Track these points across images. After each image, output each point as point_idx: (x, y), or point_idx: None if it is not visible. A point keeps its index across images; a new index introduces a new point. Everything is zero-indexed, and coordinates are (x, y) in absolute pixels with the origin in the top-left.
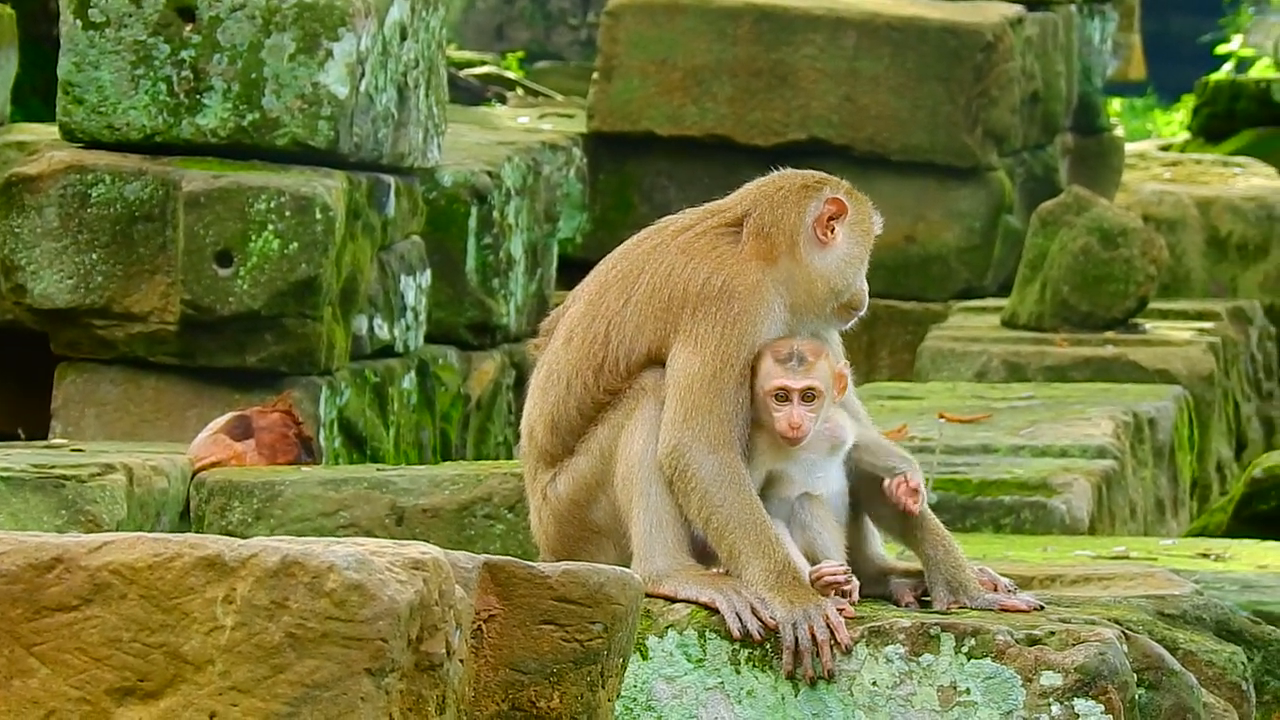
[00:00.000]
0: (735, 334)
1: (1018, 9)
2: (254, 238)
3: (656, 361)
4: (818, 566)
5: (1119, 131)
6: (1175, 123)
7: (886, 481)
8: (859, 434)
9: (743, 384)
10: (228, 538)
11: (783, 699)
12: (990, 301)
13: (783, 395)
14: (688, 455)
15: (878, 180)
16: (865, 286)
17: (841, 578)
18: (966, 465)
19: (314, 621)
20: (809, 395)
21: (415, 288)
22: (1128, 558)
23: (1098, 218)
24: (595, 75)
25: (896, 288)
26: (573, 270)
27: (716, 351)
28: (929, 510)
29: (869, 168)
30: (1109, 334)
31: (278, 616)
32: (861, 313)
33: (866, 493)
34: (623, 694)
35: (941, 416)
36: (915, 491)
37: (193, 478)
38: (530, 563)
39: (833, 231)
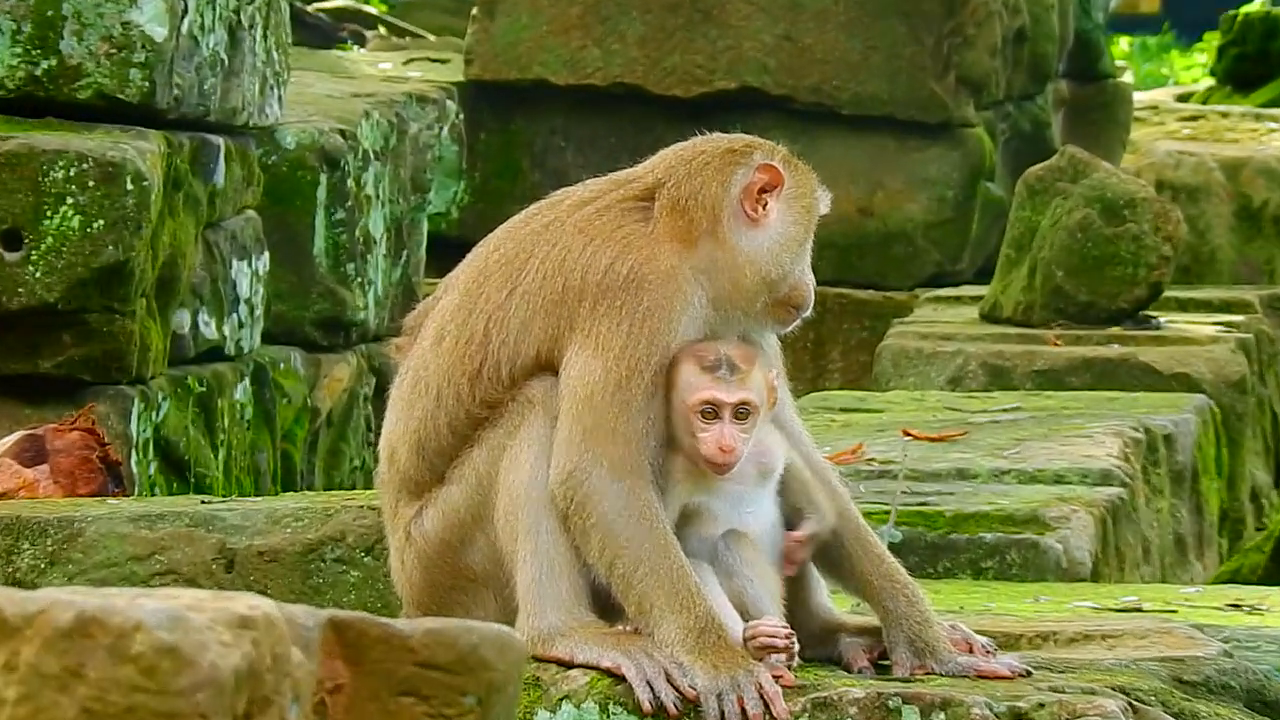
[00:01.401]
0: (645, 333)
1: None
2: (49, 214)
3: (547, 367)
4: (751, 624)
5: (1126, 78)
6: (1196, 66)
7: (788, 534)
8: (788, 455)
9: (654, 396)
10: (10, 589)
11: None
12: (966, 289)
13: (710, 411)
14: (587, 484)
15: (825, 139)
16: (810, 279)
17: (779, 637)
18: (938, 495)
19: (116, 693)
20: (742, 412)
21: (250, 275)
22: (1139, 610)
23: (1099, 185)
24: (474, 10)
25: (849, 272)
26: (447, 253)
27: (622, 355)
28: (887, 554)
29: (814, 124)
30: (1114, 329)
31: (71, 688)
32: (805, 312)
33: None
34: None
35: (906, 434)
36: (799, 544)
37: None
38: (388, 620)
39: (764, 206)
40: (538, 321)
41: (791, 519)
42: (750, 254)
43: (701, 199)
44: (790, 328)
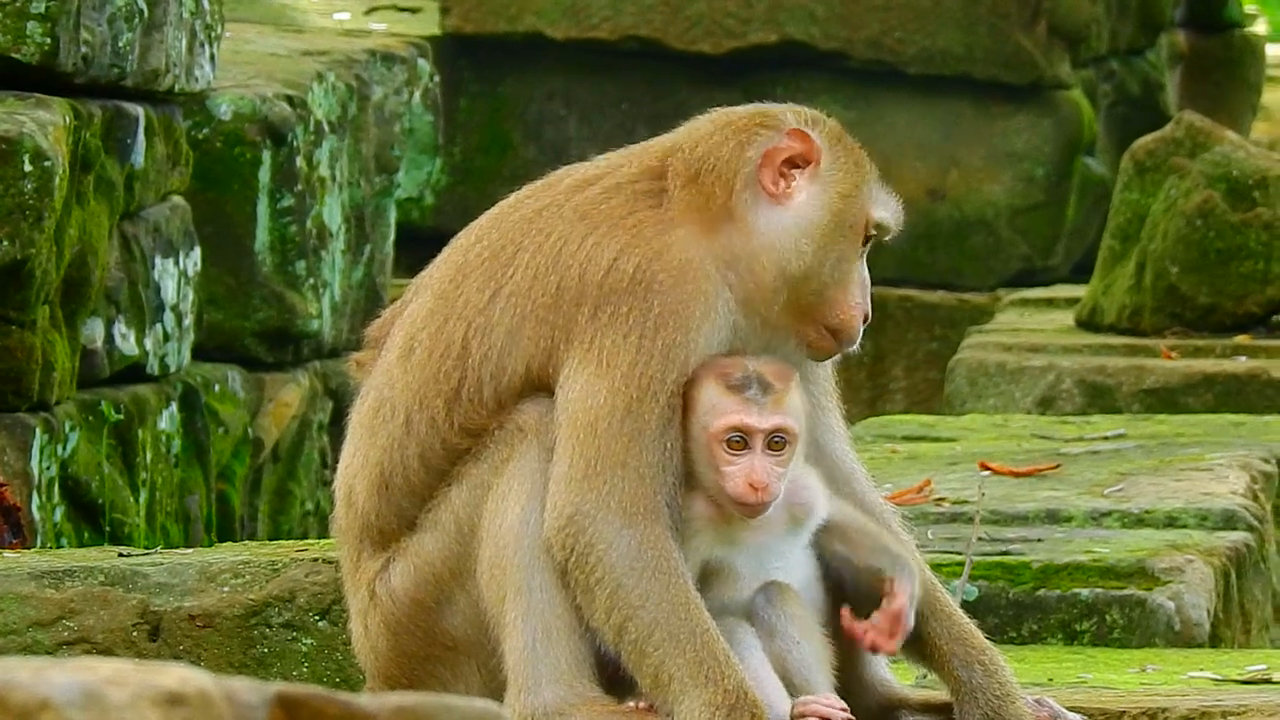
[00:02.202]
0: (659, 345)
1: None
2: None
3: (540, 387)
4: (800, 700)
5: (1258, 27)
6: None
7: (844, 609)
8: (832, 503)
9: (670, 422)
10: None
11: None
12: (1060, 290)
13: (738, 440)
14: (591, 530)
15: (886, 106)
16: (855, 301)
17: (837, 714)
18: (1023, 542)
19: None
20: (778, 440)
21: (177, 276)
22: (1268, 681)
23: (1224, 161)
24: None
25: (916, 270)
26: (419, 247)
27: (631, 373)
28: (959, 613)
29: (872, 86)
30: (1240, 338)
31: None
32: (847, 343)
33: (860, 582)
34: None
35: (984, 467)
36: (896, 620)
37: None
38: (349, 696)
39: (789, 182)
40: (527, 330)
41: (868, 582)
42: (766, 236)
43: (716, 166)
44: (827, 358)
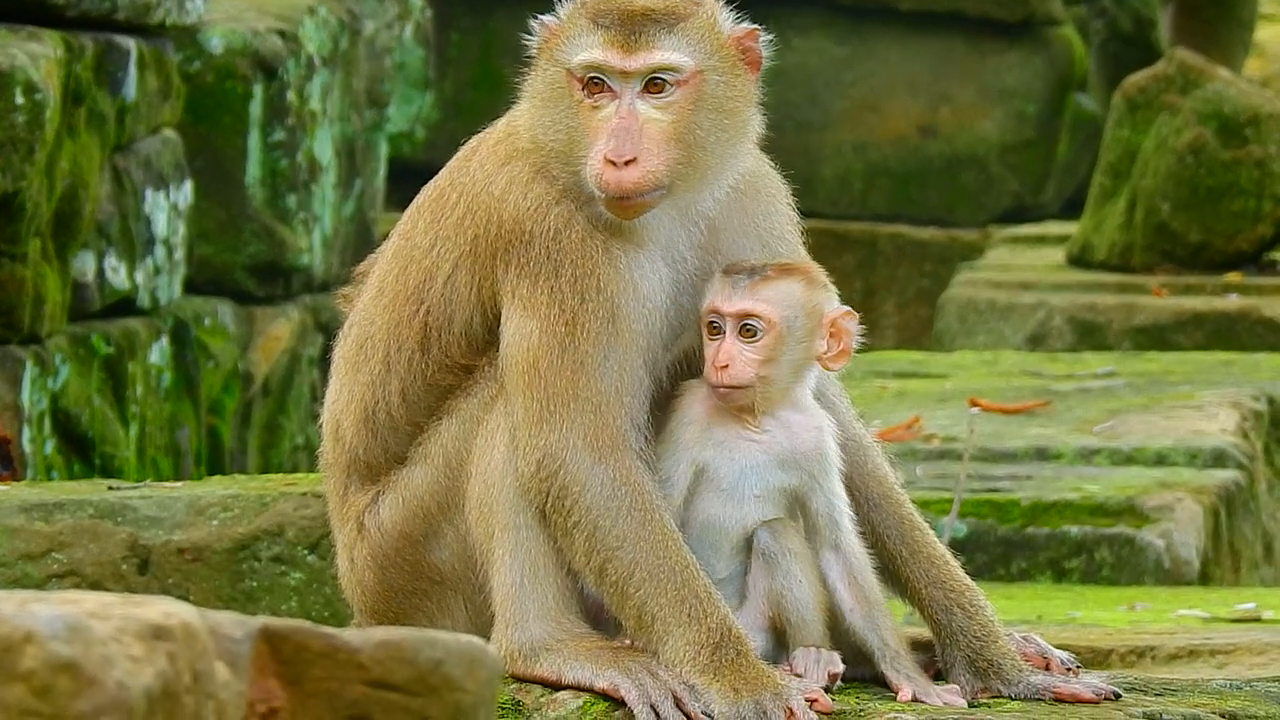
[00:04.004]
0: (563, 280)
1: None
2: None
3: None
4: (799, 656)
5: None
6: None
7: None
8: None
9: (611, 347)
10: None
11: None
12: (1050, 227)
13: (715, 325)
14: (563, 473)
15: (878, 43)
16: (599, 147)
17: (838, 664)
18: (1012, 479)
19: (4, 717)
20: (747, 328)
21: (168, 210)
22: (1258, 620)
23: (1216, 98)
24: None
25: (906, 206)
26: (411, 182)
27: (551, 312)
28: (941, 554)
29: (864, 23)
30: (1231, 276)
31: None
32: (610, 191)
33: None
34: None
35: (974, 404)
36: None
37: None
38: (334, 630)
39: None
40: (462, 277)
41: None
42: (525, 131)
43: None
44: (618, 218)
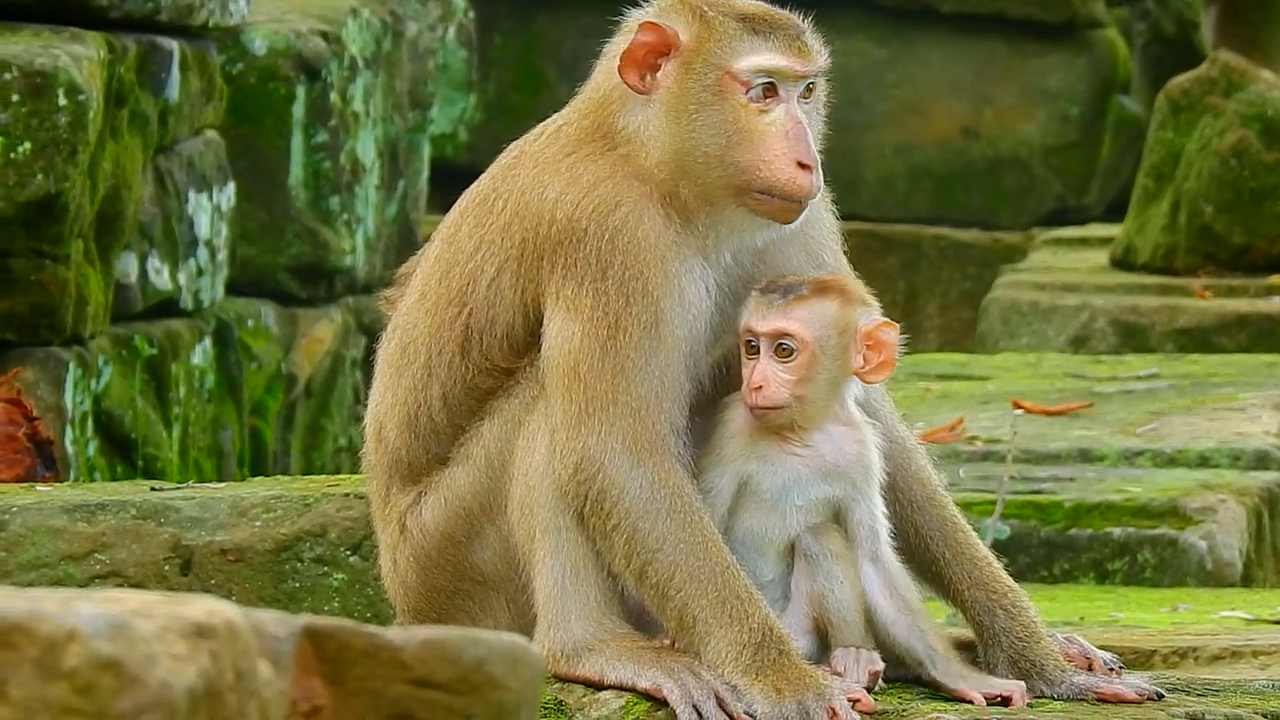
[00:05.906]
0: (611, 282)
1: None
2: None
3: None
4: (839, 656)
5: None
6: None
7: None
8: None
9: (653, 352)
10: None
11: None
12: (1094, 229)
13: (751, 345)
14: (601, 476)
15: (920, 44)
16: (775, 150)
17: (878, 663)
18: (1054, 481)
19: (45, 716)
20: (783, 348)
21: (211, 211)
22: None
23: (1259, 100)
24: None
25: (950, 208)
26: (454, 183)
27: (595, 315)
28: (984, 555)
29: (906, 24)
30: (1274, 278)
31: None
32: (791, 196)
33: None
34: None
35: (1017, 406)
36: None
37: None
38: (376, 629)
39: (654, 74)
40: (506, 280)
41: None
42: (648, 132)
43: (601, 88)
44: (788, 220)
